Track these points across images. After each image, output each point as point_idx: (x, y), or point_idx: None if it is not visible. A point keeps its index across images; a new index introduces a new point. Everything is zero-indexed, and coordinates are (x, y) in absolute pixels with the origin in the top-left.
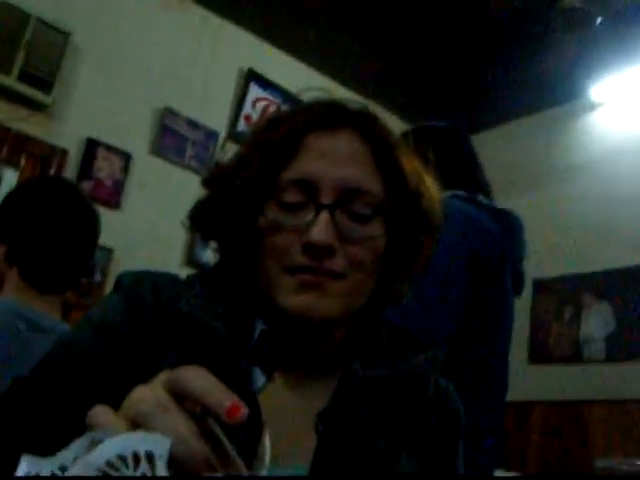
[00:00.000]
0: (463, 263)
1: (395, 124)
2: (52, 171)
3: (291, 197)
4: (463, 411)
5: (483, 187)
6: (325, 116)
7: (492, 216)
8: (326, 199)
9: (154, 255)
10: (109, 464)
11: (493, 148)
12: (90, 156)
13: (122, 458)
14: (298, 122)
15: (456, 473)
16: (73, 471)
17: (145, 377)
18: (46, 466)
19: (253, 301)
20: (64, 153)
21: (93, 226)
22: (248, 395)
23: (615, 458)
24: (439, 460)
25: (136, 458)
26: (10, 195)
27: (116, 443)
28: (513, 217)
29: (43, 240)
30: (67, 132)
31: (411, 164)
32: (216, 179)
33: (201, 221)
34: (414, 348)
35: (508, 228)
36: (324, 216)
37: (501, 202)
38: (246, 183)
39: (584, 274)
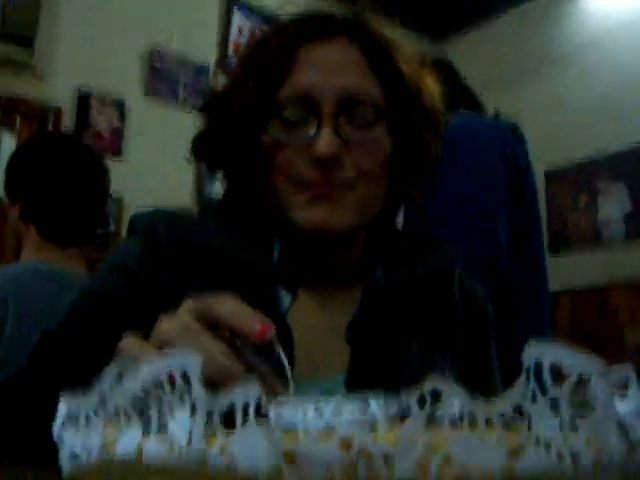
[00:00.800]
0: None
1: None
2: (49, 129)
3: (292, 113)
4: (491, 307)
5: (482, 108)
6: (315, 27)
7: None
8: (327, 111)
9: (163, 198)
10: (145, 390)
11: (490, 44)
12: (84, 109)
13: (157, 381)
14: (288, 36)
15: (491, 367)
16: (111, 402)
17: (171, 309)
18: (84, 401)
19: (267, 224)
20: (58, 110)
21: (103, 175)
22: (277, 317)
23: None
24: (473, 353)
25: (170, 379)
26: (17, 153)
27: (149, 367)
28: (518, 129)
29: (57, 194)
30: (57, 88)
31: (407, 63)
32: (213, 105)
33: (205, 151)
34: (433, 247)
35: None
36: (327, 128)
37: (503, 97)
38: (244, 105)
39: (595, 159)
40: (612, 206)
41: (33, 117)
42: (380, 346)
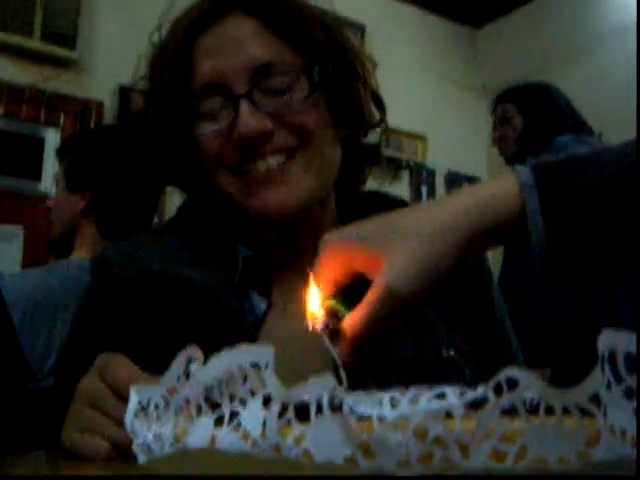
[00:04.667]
0: None
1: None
2: (91, 124)
3: (208, 105)
4: (487, 261)
5: (585, 125)
6: (206, 10)
7: None
8: (239, 89)
9: None
10: (218, 381)
11: (538, 22)
12: (126, 103)
13: (229, 372)
14: (183, 29)
15: (499, 324)
16: (183, 392)
17: (150, 342)
18: (155, 392)
19: (228, 227)
20: (100, 105)
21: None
22: (244, 333)
23: None
24: (475, 317)
25: (241, 371)
26: (84, 143)
27: (220, 360)
28: None
29: (122, 192)
30: (99, 84)
31: (313, 20)
32: (137, 125)
33: (152, 168)
34: None
35: None
36: (244, 106)
37: (559, 74)
38: (163, 113)
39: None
40: None
41: (76, 113)
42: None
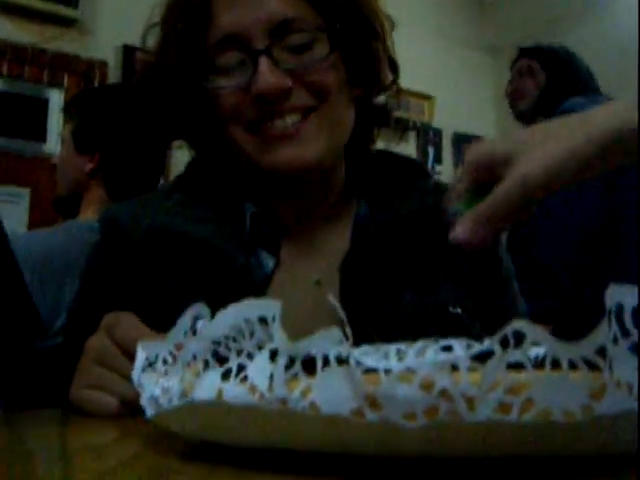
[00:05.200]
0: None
1: None
2: (96, 84)
3: (225, 58)
4: None
5: (598, 92)
6: None
7: None
8: (259, 44)
9: None
10: (225, 336)
11: None
12: (130, 63)
13: (236, 327)
14: None
15: (506, 285)
16: (190, 348)
17: (158, 300)
18: (163, 348)
19: (237, 185)
20: (103, 65)
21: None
22: (252, 289)
23: None
24: (482, 276)
25: (249, 325)
26: (89, 104)
27: (227, 314)
28: None
29: (131, 155)
30: (102, 43)
31: None
32: (149, 76)
33: (161, 124)
34: (416, 174)
35: None
36: (263, 62)
37: (566, 35)
38: (177, 64)
39: None
40: None
41: (79, 73)
42: (374, 290)
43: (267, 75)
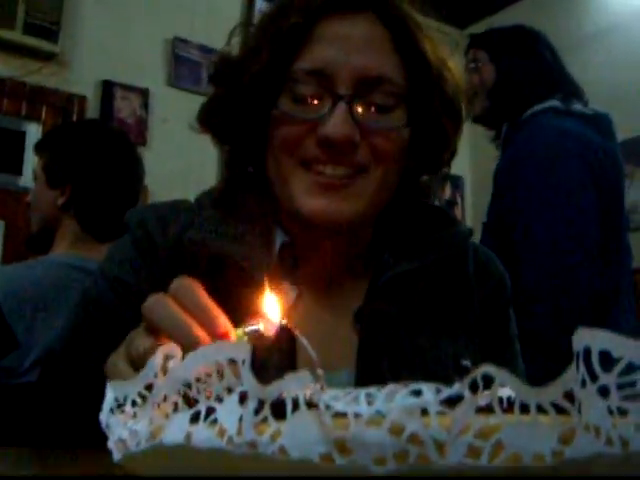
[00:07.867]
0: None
1: None
2: (74, 118)
3: (305, 89)
4: (509, 279)
5: (576, 88)
6: (339, 0)
7: (588, 123)
8: (343, 90)
9: (188, 187)
10: (195, 377)
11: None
12: (108, 98)
13: (206, 369)
14: (310, 7)
15: (511, 345)
16: (161, 389)
17: None
18: (132, 388)
19: (270, 210)
20: (82, 99)
21: (141, 168)
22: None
23: None
24: (491, 334)
25: (218, 368)
26: (64, 138)
27: (197, 356)
28: (609, 121)
29: (103, 188)
30: (81, 78)
31: (433, 47)
32: (224, 74)
33: (212, 121)
34: (442, 224)
35: (605, 134)
36: (341, 108)
37: None
38: (256, 76)
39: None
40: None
41: (58, 107)
42: (388, 336)
43: (340, 123)
